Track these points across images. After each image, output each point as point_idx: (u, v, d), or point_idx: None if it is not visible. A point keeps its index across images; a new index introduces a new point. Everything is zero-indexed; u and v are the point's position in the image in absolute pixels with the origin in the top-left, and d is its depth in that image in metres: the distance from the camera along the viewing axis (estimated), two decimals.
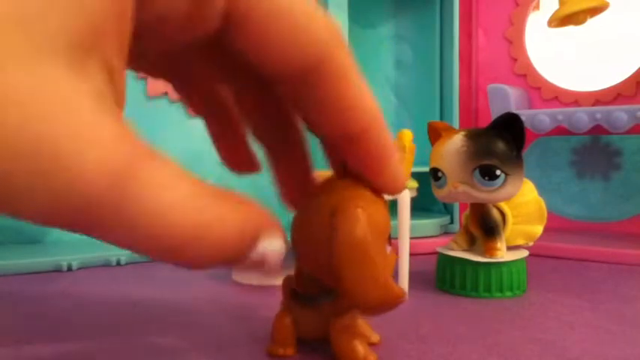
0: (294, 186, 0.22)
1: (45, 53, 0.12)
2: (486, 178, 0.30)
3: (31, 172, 0.11)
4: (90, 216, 0.13)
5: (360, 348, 0.22)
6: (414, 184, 0.34)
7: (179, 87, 0.22)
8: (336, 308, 0.22)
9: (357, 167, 0.20)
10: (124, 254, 0.43)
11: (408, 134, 0.34)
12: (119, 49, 0.14)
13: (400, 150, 0.34)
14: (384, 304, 0.20)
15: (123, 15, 0.13)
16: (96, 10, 0.12)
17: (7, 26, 0.11)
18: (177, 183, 0.14)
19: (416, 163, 0.35)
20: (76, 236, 0.49)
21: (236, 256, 0.16)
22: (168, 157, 0.14)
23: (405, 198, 0.32)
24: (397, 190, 0.21)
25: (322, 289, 0.22)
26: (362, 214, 0.19)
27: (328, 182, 0.21)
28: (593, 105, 0.50)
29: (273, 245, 0.17)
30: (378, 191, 0.20)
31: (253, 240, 0.16)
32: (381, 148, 0.19)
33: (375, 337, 0.24)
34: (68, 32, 0.12)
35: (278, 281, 0.36)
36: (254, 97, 0.21)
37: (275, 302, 0.25)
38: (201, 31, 0.16)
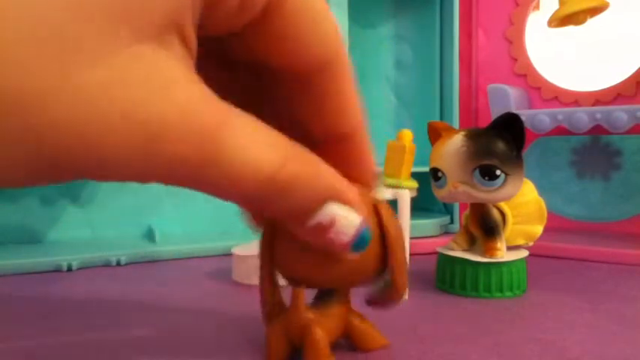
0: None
1: (143, 35, 0.13)
2: (486, 178, 0.30)
3: (142, 140, 0.13)
4: (185, 172, 0.14)
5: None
6: (414, 184, 0.34)
7: None
8: (345, 306, 0.23)
9: (343, 165, 0.20)
10: (124, 254, 0.43)
11: (408, 134, 0.34)
12: (192, 21, 0.15)
13: (400, 150, 0.34)
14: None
15: None
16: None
17: (111, 16, 0.13)
18: (258, 140, 0.15)
19: (416, 163, 0.35)
20: (76, 236, 0.49)
21: (303, 211, 0.17)
22: (245, 114, 0.15)
23: (405, 198, 0.32)
24: (373, 185, 0.22)
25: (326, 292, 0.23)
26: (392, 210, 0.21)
27: None
28: (593, 105, 0.50)
29: (344, 212, 0.17)
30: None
31: (327, 199, 0.17)
32: (367, 146, 0.21)
33: None
34: (159, 12, 0.13)
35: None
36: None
37: None
38: (243, 19, 0.16)
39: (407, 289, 0.22)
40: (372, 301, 0.24)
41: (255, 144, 0.15)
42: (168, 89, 0.13)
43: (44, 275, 0.40)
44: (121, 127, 0.13)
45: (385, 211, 0.20)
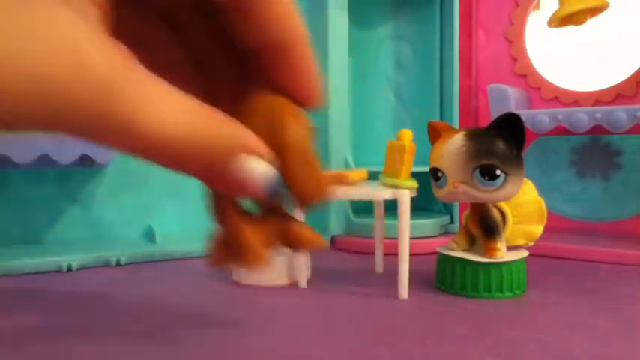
0: None
1: None
2: (486, 178, 0.30)
3: (36, 90, 0.13)
4: (84, 120, 0.14)
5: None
6: (414, 184, 0.34)
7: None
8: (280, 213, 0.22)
9: (282, 80, 0.20)
10: (124, 254, 0.43)
11: (408, 134, 0.34)
12: None
13: (400, 150, 0.34)
14: (324, 194, 0.21)
15: None
16: None
17: None
18: (161, 98, 0.15)
19: (416, 163, 0.35)
20: (76, 236, 0.49)
21: (215, 167, 0.17)
22: (150, 73, 0.15)
23: (405, 198, 0.32)
24: (318, 102, 0.21)
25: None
26: (303, 118, 0.21)
27: (256, 102, 0.21)
28: (593, 105, 0.50)
29: (254, 163, 0.18)
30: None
31: (233, 153, 0.17)
32: (307, 61, 0.20)
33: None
34: None
35: (278, 281, 0.36)
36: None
37: (275, 302, 0.25)
38: None
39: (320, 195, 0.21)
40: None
41: (158, 101, 0.15)
42: (66, 41, 0.14)
43: (44, 275, 0.40)
44: (16, 79, 0.13)
45: (291, 119, 0.20)
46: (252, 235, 0.21)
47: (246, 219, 0.22)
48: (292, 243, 0.23)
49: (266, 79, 0.21)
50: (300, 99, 0.21)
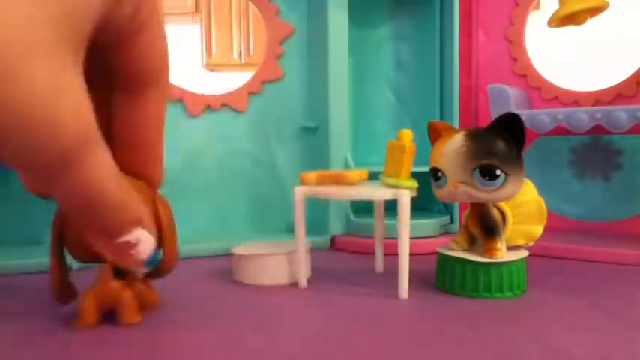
0: None
1: (66, 51, 0.16)
2: (486, 178, 0.30)
3: (35, 133, 0.16)
4: (54, 167, 0.17)
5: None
6: (414, 184, 0.34)
7: None
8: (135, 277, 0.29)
9: (138, 167, 0.25)
10: None
11: (408, 134, 0.34)
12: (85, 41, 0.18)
13: (400, 150, 0.34)
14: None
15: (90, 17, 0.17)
16: (82, 13, 0.17)
17: (45, 27, 0.15)
18: (112, 168, 0.20)
19: (416, 163, 0.35)
20: None
21: (121, 229, 0.21)
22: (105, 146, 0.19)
23: (405, 198, 0.32)
24: (158, 186, 0.28)
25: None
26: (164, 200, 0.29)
27: None
28: (593, 105, 0.50)
29: (147, 236, 0.22)
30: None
31: (135, 222, 0.22)
32: (157, 157, 0.26)
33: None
34: (76, 32, 0.16)
35: (278, 281, 0.36)
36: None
37: (275, 301, 0.25)
38: (124, 31, 0.20)
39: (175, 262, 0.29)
40: (150, 274, 0.29)
41: (103, 167, 0.19)
42: (68, 95, 0.16)
43: (44, 275, 0.39)
44: (26, 114, 0.15)
45: (160, 204, 0.28)
46: (130, 295, 0.28)
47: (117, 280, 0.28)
48: (142, 302, 0.29)
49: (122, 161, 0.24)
50: (148, 179, 0.27)
